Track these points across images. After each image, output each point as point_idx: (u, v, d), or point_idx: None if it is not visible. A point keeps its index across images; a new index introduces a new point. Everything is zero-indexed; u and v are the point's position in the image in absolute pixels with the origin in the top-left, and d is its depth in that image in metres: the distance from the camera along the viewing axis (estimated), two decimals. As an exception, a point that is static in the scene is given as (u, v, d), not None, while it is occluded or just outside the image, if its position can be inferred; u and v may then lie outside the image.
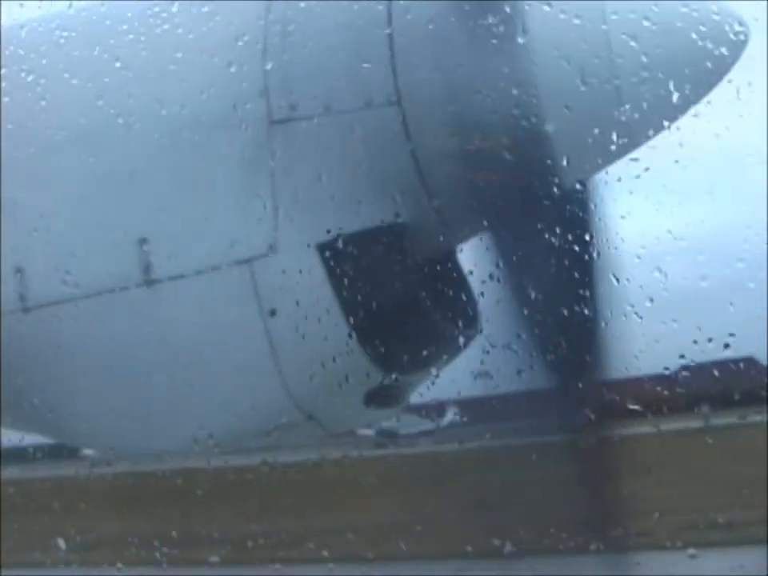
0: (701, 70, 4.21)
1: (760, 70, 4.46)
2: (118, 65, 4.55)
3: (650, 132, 4.29)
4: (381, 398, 4.61)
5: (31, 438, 5.43)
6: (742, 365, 5.38)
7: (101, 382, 4.65)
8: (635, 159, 4.40)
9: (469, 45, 4.25)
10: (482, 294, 4.57)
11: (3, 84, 4.76)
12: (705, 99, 4.31)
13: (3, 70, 4.78)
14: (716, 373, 5.01)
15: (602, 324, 4.39)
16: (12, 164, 4.69)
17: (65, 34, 4.79)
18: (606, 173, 4.42)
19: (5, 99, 4.75)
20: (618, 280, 4.35)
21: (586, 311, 4.37)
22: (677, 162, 4.35)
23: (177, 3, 4.55)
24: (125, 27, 4.61)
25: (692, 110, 4.31)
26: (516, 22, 4.23)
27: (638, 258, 4.48)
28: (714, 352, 4.86)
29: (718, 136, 4.53)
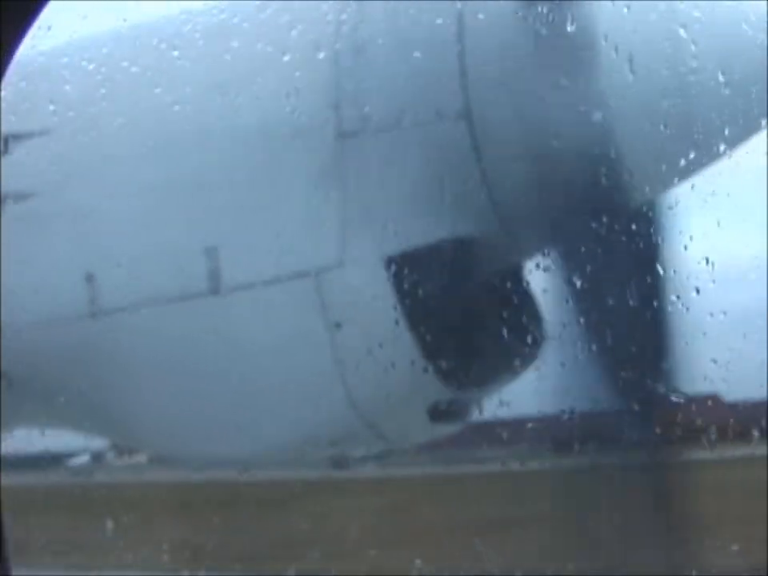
0: None
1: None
2: (193, 77, 4.59)
3: (723, 148, 4.22)
4: (445, 412, 4.60)
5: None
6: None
7: (166, 388, 4.70)
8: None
9: (539, 60, 4.23)
10: (548, 309, 4.55)
11: (74, 92, 4.84)
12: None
13: (80, 80, 4.85)
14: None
15: (672, 343, 4.33)
16: (85, 172, 4.77)
17: (139, 43, 4.85)
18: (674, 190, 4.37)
19: (75, 107, 4.83)
20: (688, 304, 4.29)
21: (654, 329, 4.32)
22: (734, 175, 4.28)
23: (253, 17, 4.58)
24: (201, 40, 4.65)
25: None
26: (589, 37, 4.19)
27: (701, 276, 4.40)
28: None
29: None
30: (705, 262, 4.25)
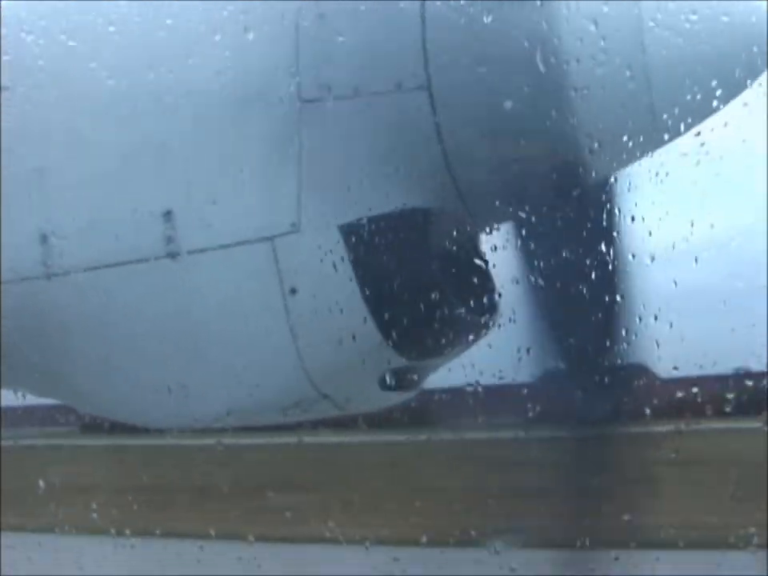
0: (739, 65, 4.17)
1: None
2: (153, 41, 4.55)
3: (684, 127, 4.27)
4: (396, 381, 4.64)
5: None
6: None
7: (120, 352, 4.69)
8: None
9: (502, 31, 4.24)
10: (504, 282, 4.59)
11: (35, 51, 4.79)
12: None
13: (35, 38, 4.79)
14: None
15: (621, 322, 4.39)
16: (41, 132, 4.72)
17: (105, 5, 4.80)
18: (630, 169, 4.41)
19: (34, 69, 4.77)
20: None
21: (605, 308, 4.37)
22: (697, 163, 4.34)
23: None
24: (164, 5, 4.61)
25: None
26: (550, 8, 4.21)
27: (653, 258, 4.47)
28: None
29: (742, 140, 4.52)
30: (655, 241, 4.35)
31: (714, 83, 4.15)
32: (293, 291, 4.38)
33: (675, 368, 5.09)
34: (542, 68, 4.13)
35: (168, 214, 4.45)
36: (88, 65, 4.66)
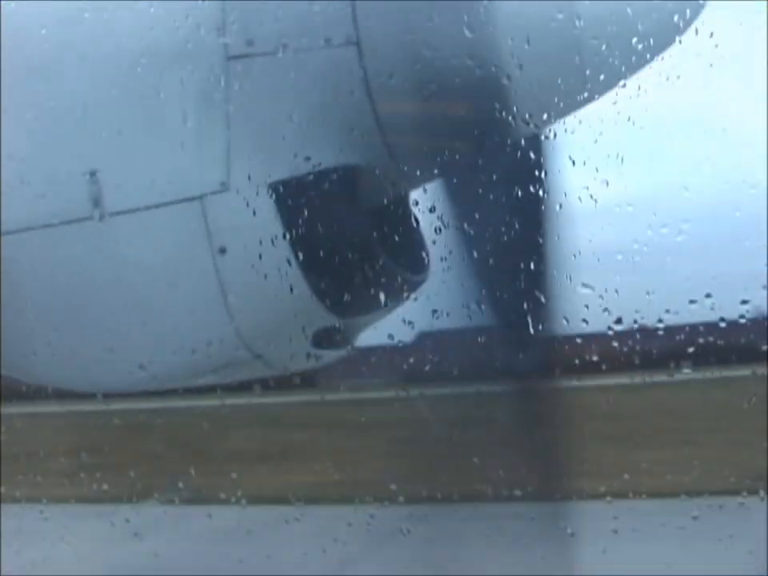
0: (664, 21, 4.23)
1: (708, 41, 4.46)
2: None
3: (610, 83, 4.31)
4: (328, 339, 4.64)
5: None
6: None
7: (48, 315, 4.61)
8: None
9: None
10: (434, 240, 4.62)
11: None
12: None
13: None
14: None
15: (548, 279, 4.45)
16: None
17: None
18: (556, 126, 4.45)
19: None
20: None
21: (533, 264, 4.43)
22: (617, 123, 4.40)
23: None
24: None
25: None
26: None
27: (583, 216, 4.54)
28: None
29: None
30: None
31: (645, 35, 4.20)
32: (222, 251, 4.35)
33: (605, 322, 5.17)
34: (472, 23, 4.13)
35: (93, 175, 4.37)
36: (11, 23, 4.54)
